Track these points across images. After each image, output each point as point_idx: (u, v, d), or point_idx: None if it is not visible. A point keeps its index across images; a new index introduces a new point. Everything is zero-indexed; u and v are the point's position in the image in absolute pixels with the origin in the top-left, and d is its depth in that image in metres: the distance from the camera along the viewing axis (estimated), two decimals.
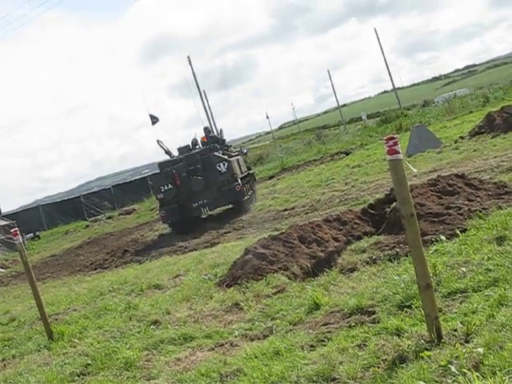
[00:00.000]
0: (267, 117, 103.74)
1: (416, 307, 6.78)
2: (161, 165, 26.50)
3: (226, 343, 7.73)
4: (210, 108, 67.60)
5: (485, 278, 7.08)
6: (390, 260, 9.40)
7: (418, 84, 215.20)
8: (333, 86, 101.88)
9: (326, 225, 11.93)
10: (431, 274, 7.08)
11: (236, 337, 7.93)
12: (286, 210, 21.39)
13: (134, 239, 27.09)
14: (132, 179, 67.02)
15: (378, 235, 11.11)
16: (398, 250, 9.64)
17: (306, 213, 19.14)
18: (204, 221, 26.04)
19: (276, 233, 12.59)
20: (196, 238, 20.81)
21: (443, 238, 9.52)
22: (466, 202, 11.06)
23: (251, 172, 31.52)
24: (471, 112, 39.15)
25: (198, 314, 9.34)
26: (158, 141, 28.42)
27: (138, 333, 9.25)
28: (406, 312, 6.86)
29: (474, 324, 5.81)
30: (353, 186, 21.50)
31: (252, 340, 7.70)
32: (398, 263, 9.09)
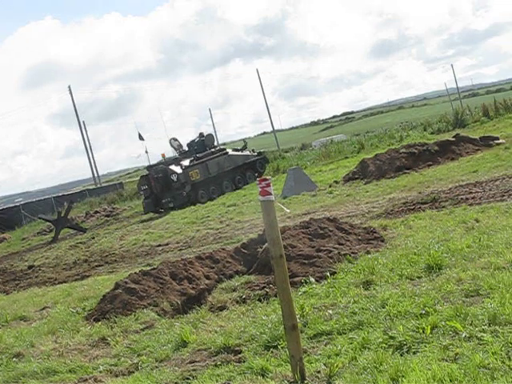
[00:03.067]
0: (146, 151, 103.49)
1: (282, 348, 6.86)
2: (147, 168, 37.56)
3: (90, 378, 7.59)
4: (88, 139, 66.99)
5: (350, 321, 7.25)
6: (259, 300, 9.49)
7: (297, 127, 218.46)
8: (214, 124, 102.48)
9: (198, 262, 11.95)
10: (299, 316, 7.21)
11: (100, 372, 7.80)
12: (159, 245, 21.25)
13: (2, 269, 26.30)
14: (4, 207, 65.19)
15: (249, 275, 11.21)
16: (267, 290, 9.74)
17: (180, 249, 19.08)
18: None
19: (148, 268, 12.51)
20: (66, 270, 20.40)
21: (312, 280, 9.70)
22: (337, 246, 11.32)
23: (239, 164, 39.03)
24: (346, 158, 40.04)
25: (64, 348, 9.14)
26: (171, 139, 38.95)
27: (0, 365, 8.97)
28: (272, 352, 6.93)
29: (337, 366, 5.93)
30: (227, 225, 21.56)
31: (117, 376, 7.60)
32: (267, 303, 9.19)
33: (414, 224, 12.87)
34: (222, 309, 9.68)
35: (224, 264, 12.00)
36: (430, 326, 6.39)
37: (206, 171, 36.32)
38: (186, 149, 39.05)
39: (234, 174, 38.31)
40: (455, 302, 7.08)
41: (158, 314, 9.93)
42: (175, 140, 39.03)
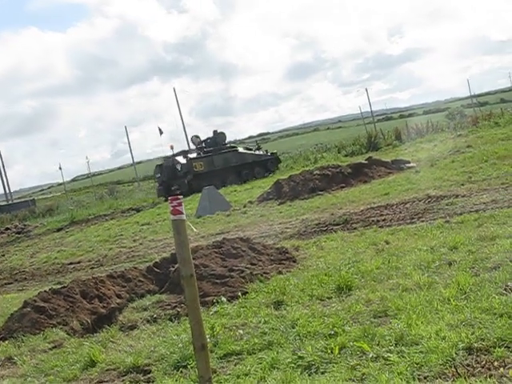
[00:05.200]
0: (60, 168, 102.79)
1: (192, 367, 6.84)
2: (163, 158, 45.64)
3: None
4: (0, 155, 65.83)
5: (260, 341, 7.28)
6: (170, 319, 9.45)
7: None
8: (129, 142, 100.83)
9: (109, 281, 11.82)
10: (209, 335, 7.21)
11: None
12: (71, 263, 20.93)
13: None
14: None
15: (160, 294, 11.14)
16: (179, 309, 9.72)
17: (92, 267, 18.85)
18: None
19: (58, 286, 12.32)
20: None
21: (224, 299, 9.70)
22: (249, 266, 11.36)
23: (248, 161, 44.59)
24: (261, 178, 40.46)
25: None
26: (192, 136, 46.56)
27: None
28: (182, 372, 6.91)
29: None
30: (141, 244, 21.42)
31: None
32: (179, 323, 9.15)
33: (325, 245, 13.02)
34: (132, 328, 9.60)
35: (136, 283, 11.91)
36: (338, 347, 6.47)
37: (211, 164, 42.25)
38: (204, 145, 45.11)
39: (241, 169, 43.50)
40: (363, 323, 7.19)
41: (68, 333, 9.77)
42: (197, 137, 46.02)
